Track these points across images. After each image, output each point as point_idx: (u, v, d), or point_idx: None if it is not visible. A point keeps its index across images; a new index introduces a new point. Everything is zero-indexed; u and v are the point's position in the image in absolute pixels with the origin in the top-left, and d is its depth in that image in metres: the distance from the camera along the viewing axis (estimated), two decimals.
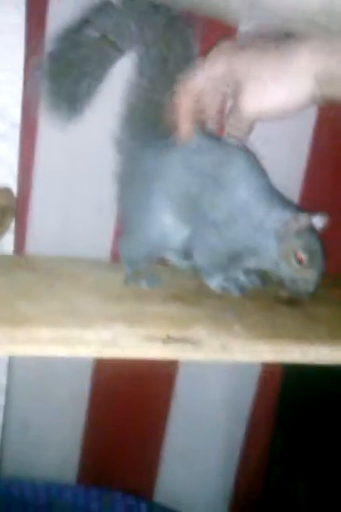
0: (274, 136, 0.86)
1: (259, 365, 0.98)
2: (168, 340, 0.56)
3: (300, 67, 0.52)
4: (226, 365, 0.98)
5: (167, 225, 0.69)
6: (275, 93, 0.55)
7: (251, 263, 0.69)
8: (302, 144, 0.91)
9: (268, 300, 0.71)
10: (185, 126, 0.64)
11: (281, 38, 0.55)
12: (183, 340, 0.57)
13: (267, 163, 0.77)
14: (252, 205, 0.65)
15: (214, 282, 0.70)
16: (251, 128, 0.65)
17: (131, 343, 0.56)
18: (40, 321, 0.55)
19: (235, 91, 0.59)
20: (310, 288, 0.66)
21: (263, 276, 0.73)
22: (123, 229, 0.75)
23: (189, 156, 0.67)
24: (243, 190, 0.66)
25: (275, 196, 0.67)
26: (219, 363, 0.96)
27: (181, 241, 0.70)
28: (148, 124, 0.70)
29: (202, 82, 0.62)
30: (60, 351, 0.54)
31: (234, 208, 0.66)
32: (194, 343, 0.57)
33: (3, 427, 0.97)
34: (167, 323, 0.59)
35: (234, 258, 0.69)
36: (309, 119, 0.89)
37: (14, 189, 0.83)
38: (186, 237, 0.70)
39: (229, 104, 0.66)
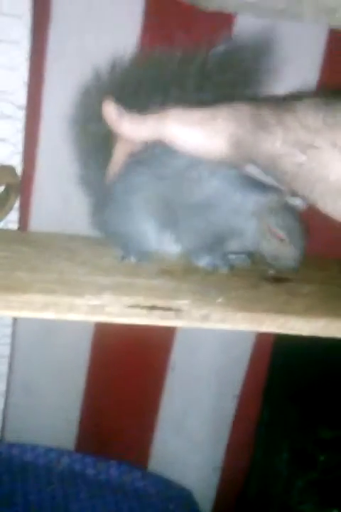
0: None
1: (251, 344, 1.02)
2: (151, 308, 0.60)
3: (217, 127, 0.58)
4: (221, 342, 1.02)
5: (150, 235, 0.72)
6: (197, 137, 0.60)
7: (236, 245, 0.72)
8: None
9: (255, 278, 0.72)
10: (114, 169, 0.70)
11: (205, 105, 0.61)
12: (166, 309, 0.60)
13: None
14: (228, 190, 0.68)
15: (203, 261, 0.72)
16: None
17: (117, 310, 0.59)
18: (34, 288, 0.59)
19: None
20: (292, 264, 0.68)
21: (253, 255, 0.75)
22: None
23: (154, 171, 0.69)
24: (215, 180, 0.68)
25: (251, 181, 0.68)
26: (213, 337, 1.00)
27: (167, 241, 0.73)
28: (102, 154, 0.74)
29: (135, 144, 0.66)
30: (50, 315, 0.58)
31: (211, 194, 0.68)
32: (176, 311, 0.60)
33: (7, 393, 1.02)
34: (152, 294, 0.62)
35: (219, 238, 0.71)
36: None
37: (19, 169, 0.87)
38: (171, 239, 0.73)
39: None
